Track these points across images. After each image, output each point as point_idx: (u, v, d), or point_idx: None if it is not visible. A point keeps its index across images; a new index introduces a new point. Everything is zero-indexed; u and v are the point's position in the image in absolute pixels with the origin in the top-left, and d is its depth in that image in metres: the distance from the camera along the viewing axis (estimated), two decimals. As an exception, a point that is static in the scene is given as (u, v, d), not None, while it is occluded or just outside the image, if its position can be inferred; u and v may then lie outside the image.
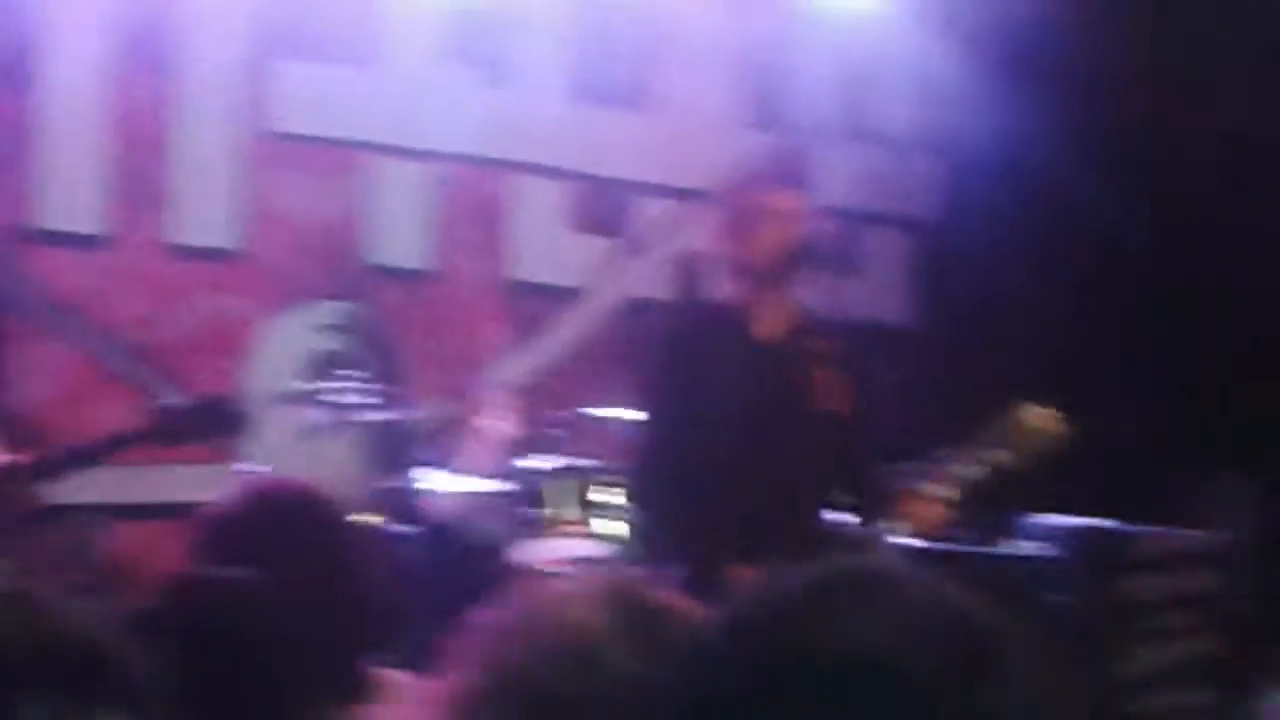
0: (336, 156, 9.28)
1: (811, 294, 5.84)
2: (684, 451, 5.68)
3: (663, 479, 5.81)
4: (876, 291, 10.13)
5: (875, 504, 5.59)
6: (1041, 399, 5.81)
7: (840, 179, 9.98)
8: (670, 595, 1.37)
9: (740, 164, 5.88)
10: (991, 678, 1.16)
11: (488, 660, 1.33)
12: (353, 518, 5.01)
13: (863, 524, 5.60)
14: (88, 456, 4.88)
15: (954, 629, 1.20)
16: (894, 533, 5.58)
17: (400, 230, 9.48)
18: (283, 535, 3.45)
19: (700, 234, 9.74)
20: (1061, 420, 5.62)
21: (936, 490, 5.57)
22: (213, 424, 4.96)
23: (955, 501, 5.61)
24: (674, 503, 5.68)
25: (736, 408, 5.59)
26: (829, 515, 5.81)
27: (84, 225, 8.68)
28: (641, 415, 6.01)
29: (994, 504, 7.44)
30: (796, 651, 1.19)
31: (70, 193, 8.64)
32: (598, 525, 7.34)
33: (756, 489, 5.59)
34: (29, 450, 5.40)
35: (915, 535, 5.54)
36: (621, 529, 7.13)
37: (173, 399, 5.26)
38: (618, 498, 7.16)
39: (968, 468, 5.58)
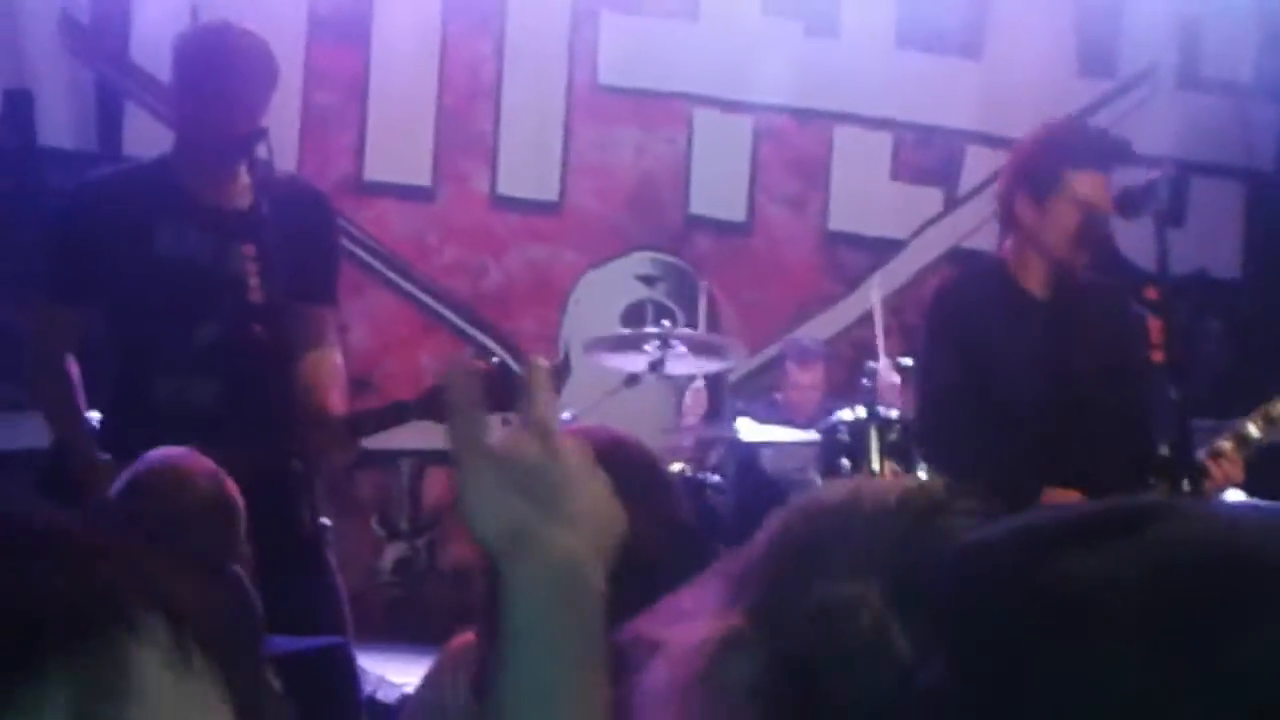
0: (658, 108, 9.34)
1: (1138, 242, 5.71)
2: (976, 406, 5.60)
3: (956, 438, 5.73)
4: (1205, 242, 9.87)
5: (1184, 465, 5.44)
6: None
7: (1174, 127, 9.75)
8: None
9: (1053, 131, 5.68)
10: (1244, 627, 1.06)
11: (749, 601, 1.31)
12: (666, 466, 5.03)
13: (1177, 481, 5.46)
14: (400, 416, 4.98)
15: (1228, 567, 1.10)
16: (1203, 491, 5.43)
17: (721, 182, 9.50)
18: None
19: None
20: None
21: (1236, 446, 5.40)
22: (504, 395, 4.99)
23: (1252, 452, 5.44)
24: (971, 461, 5.61)
25: (1018, 359, 5.50)
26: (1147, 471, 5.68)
27: (410, 177, 8.89)
28: (927, 369, 5.94)
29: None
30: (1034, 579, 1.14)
31: (398, 144, 8.85)
32: (908, 474, 7.30)
33: (1055, 444, 5.49)
34: (358, 398, 5.53)
35: (1218, 492, 5.39)
36: (930, 478, 7.08)
37: (468, 366, 5.30)
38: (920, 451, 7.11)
39: (1265, 416, 5.41)
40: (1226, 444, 5.34)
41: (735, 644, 1.32)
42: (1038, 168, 5.51)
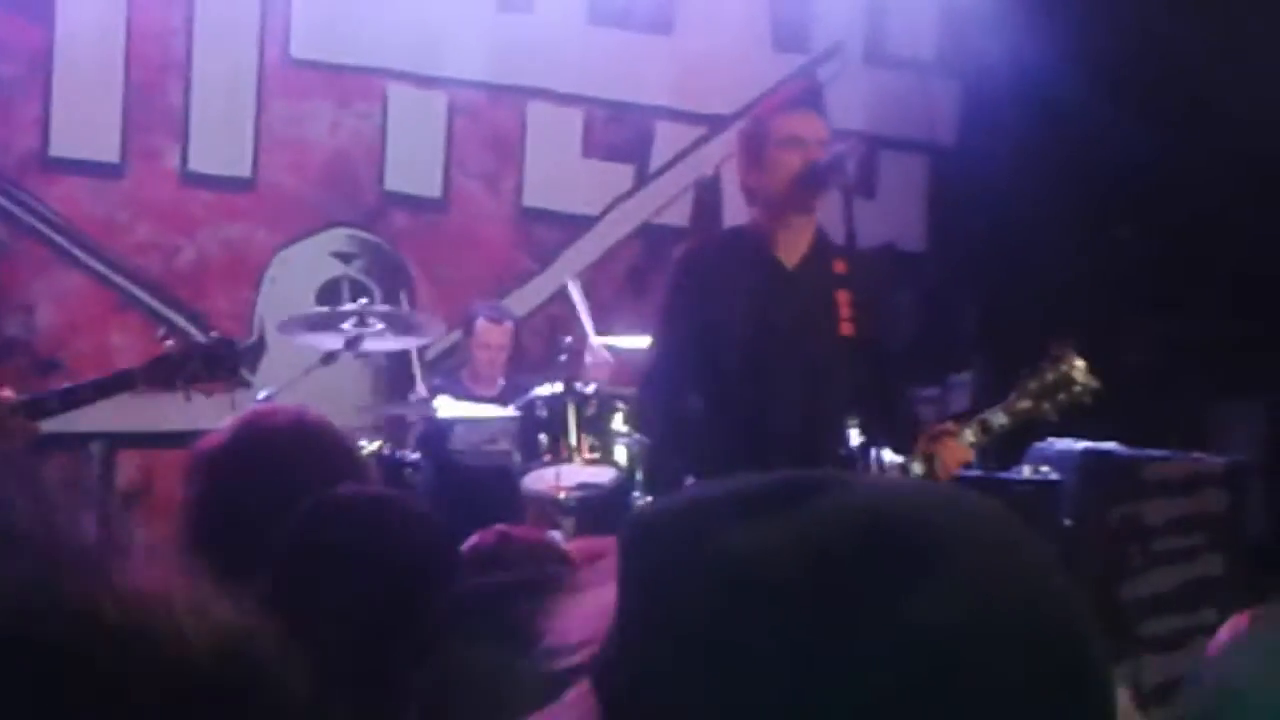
0: (352, 83, 9.28)
1: (828, 217, 5.80)
2: (697, 373, 5.67)
3: (672, 402, 5.79)
4: (892, 215, 10.09)
5: (900, 436, 5.56)
6: (1052, 324, 5.79)
7: (859, 103, 9.95)
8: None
9: (759, 89, 5.81)
10: (905, 593, 1.07)
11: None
12: (356, 444, 5.02)
13: (885, 453, 5.57)
14: (88, 394, 4.94)
15: (872, 531, 1.11)
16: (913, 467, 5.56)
17: (416, 158, 9.47)
18: (274, 463, 3.47)
19: (719, 160, 9.79)
20: (1094, 374, 5.58)
21: (968, 435, 5.54)
22: (212, 366, 5.02)
23: (982, 445, 5.59)
24: (681, 426, 5.68)
25: (753, 329, 5.57)
26: (852, 443, 5.79)
27: (99, 153, 8.72)
28: (654, 337, 5.99)
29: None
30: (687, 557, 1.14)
31: (85, 120, 8.68)
32: (605, 451, 7.36)
33: (773, 412, 5.57)
34: (46, 378, 5.44)
35: (936, 474, 5.51)
36: (625, 454, 7.15)
37: (174, 341, 5.29)
38: (621, 424, 7.17)
39: (1003, 416, 5.56)
40: (969, 428, 5.48)
41: None
42: (749, 133, 5.64)
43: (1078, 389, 5.48)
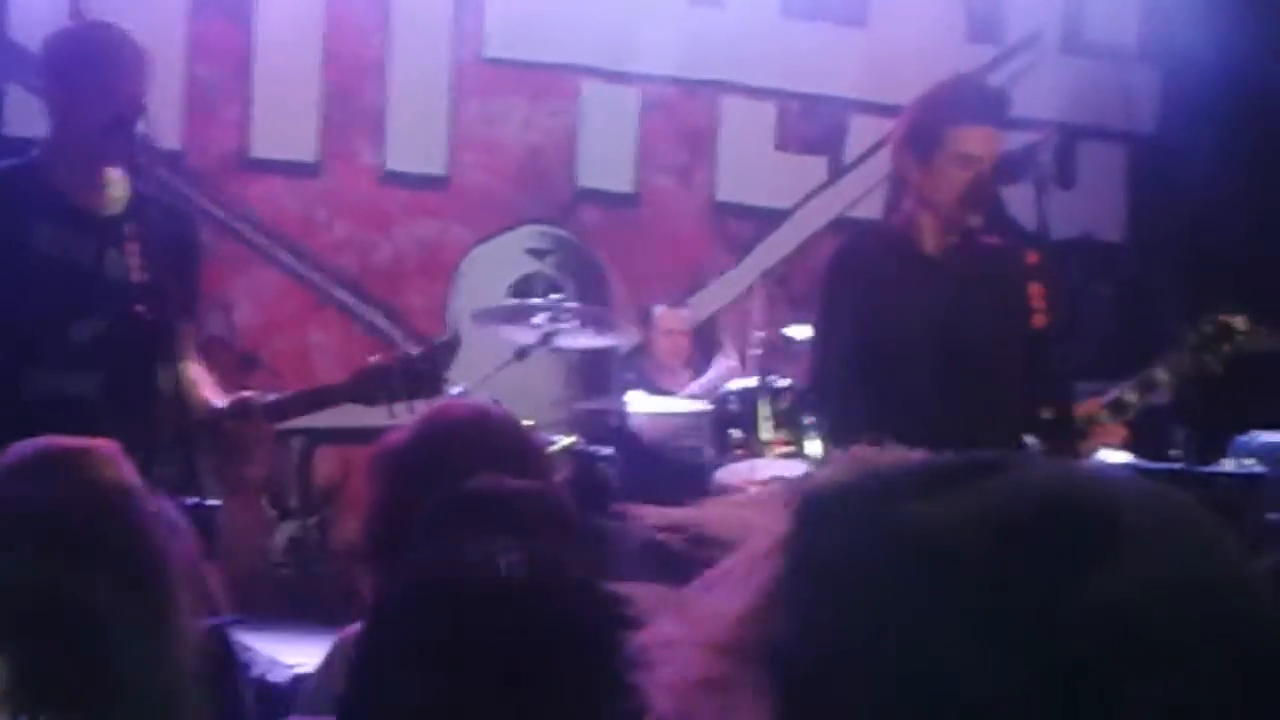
0: (545, 80, 9.33)
1: (1022, 207, 5.74)
2: (859, 369, 5.63)
3: (839, 395, 5.76)
4: (1090, 205, 9.96)
5: (1066, 428, 5.49)
6: (1257, 315, 5.68)
7: (1056, 92, 9.83)
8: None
9: (935, 90, 5.71)
10: (1090, 570, 1.07)
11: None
12: (541, 438, 5.05)
13: (1055, 444, 5.50)
14: (312, 403, 5.07)
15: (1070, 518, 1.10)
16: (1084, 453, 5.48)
17: (608, 153, 9.50)
18: (456, 460, 3.49)
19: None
20: (1256, 325, 5.47)
21: (1115, 410, 5.46)
22: (414, 384, 5.09)
23: (1132, 418, 5.50)
24: (850, 419, 5.64)
25: (911, 318, 5.53)
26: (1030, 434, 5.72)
27: (297, 153, 8.85)
28: (816, 328, 5.96)
29: (1193, 419, 7.31)
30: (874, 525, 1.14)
31: (283, 120, 8.81)
32: (798, 445, 7.34)
33: (937, 403, 5.52)
34: (246, 375, 5.53)
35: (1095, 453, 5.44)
36: (818, 447, 7.12)
37: (380, 360, 5.38)
38: (812, 416, 7.15)
39: (1142, 383, 5.47)
40: (1103, 410, 5.40)
41: None
42: (921, 128, 5.54)
43: (1240, 338, 5.36)
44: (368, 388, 5.07)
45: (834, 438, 5.89)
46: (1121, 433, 5.46)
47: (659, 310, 8.69)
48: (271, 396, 5.05)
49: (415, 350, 5.23)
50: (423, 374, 5.07)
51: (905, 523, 1.12)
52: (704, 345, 8.75)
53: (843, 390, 5.61)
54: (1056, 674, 1.05)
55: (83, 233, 4.85)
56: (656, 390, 8.33)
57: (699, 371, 8.49)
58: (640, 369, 8.75)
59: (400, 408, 5.01)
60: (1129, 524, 1.10)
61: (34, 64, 5.38)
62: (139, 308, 4.73)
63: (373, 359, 5.23)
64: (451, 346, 6.42)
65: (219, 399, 4.94)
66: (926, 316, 5.49)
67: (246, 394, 4.98)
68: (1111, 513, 1.11)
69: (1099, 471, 1.19)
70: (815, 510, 1.18)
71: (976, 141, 5.41)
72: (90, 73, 4.80)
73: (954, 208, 5.43)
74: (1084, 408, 5.40)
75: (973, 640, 1.07)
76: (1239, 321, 5.39)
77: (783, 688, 1.15)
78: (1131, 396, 5.43)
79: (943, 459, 1.19)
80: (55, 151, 4.93)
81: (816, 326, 5.89)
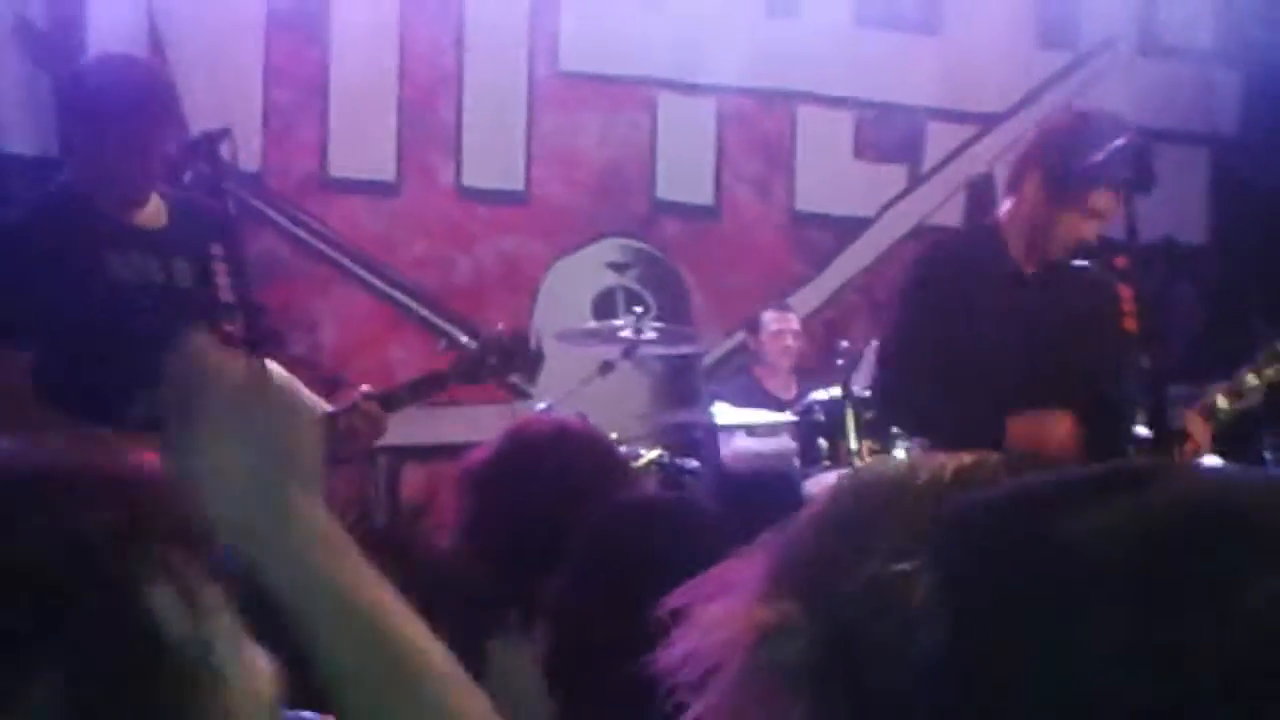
0: (621, 93, 9.33)
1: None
2: (941, 376, 5.57)
3: (916, 405, 5.70)
4: (1171, 209, 9.88)
5: (1158, 433, 5.44)
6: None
7: (1134, 96, 9.76)
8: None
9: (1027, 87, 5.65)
10: (1244, 577, 1.05)
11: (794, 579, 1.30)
12: (623, 450, 5.08)
13: (1154, 450, 5.45)
14: (415, 395, 5.16)
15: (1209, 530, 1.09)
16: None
17: (687, 165, 9.49)
18: (539, 474, 3.49)
19: (991, 158, 9.68)
20: None
21: (1206, 415, 5.41)
22: (511, 359, 5.19)
23: (1221, 422, 5.45)
24: (933, 428, 5.59)
25: (997, 331, 5.49)
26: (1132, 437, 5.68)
27: (376, 173, 8.87)
28: (889, 327, 5.92)
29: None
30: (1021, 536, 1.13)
31: (361, 140, 8.83)
32: (884, 454, 7.31)
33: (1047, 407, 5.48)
34: (332, 395, 5.55)
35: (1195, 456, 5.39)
36: (904, 456, 7.08)
37: (470, 342, 5.46)
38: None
39: (1222, 398, 5.42)
40: (1196, 417, 5.35)
41: (782, 627, 1.31)
42: (1069, 175, 5.44)
43: None
44: (468, 367, 5.17)
45: (908, 435, 5.85)
46: (1208, 436, 5.42)
47: (767, 314, 8.70)
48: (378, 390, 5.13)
49: (502, 331, 5.36)
50: (514, 349, 5.18)
51: (1059, 537, 1.11)
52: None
53: (909, 388, 5.56)
54: (1222, 683, 1.03)
55: (144, 252, 4.91)
56: (764, 396, 8.34)
57: (805, 375, 8.47)
58: (746, 376, 8.76)
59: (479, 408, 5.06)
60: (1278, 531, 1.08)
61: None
62: (229, 327, 4.75)
63: (468, 341, 5.35)
64: (536, 359, 6.45)
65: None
66: (1011, 323, 5.45)
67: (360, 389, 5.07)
68: (1261, 519, 1.09)
69: (1246, 477, 1.17)
70: (961, 530, 1.17)
71: (1107, 204, 5.39)
72: (116, 104, 4.85)
73: (1061, 252, 5.41)
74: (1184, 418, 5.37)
75: (1134, 652, 1.06)
76: None
77: (932, 707, 1.14)
78: (1223, 402, 5.39)
79: (1088, 471, 1.18)
80: (92, 180, 4.97)
81: (895, 329, 5.82)
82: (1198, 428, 5.34)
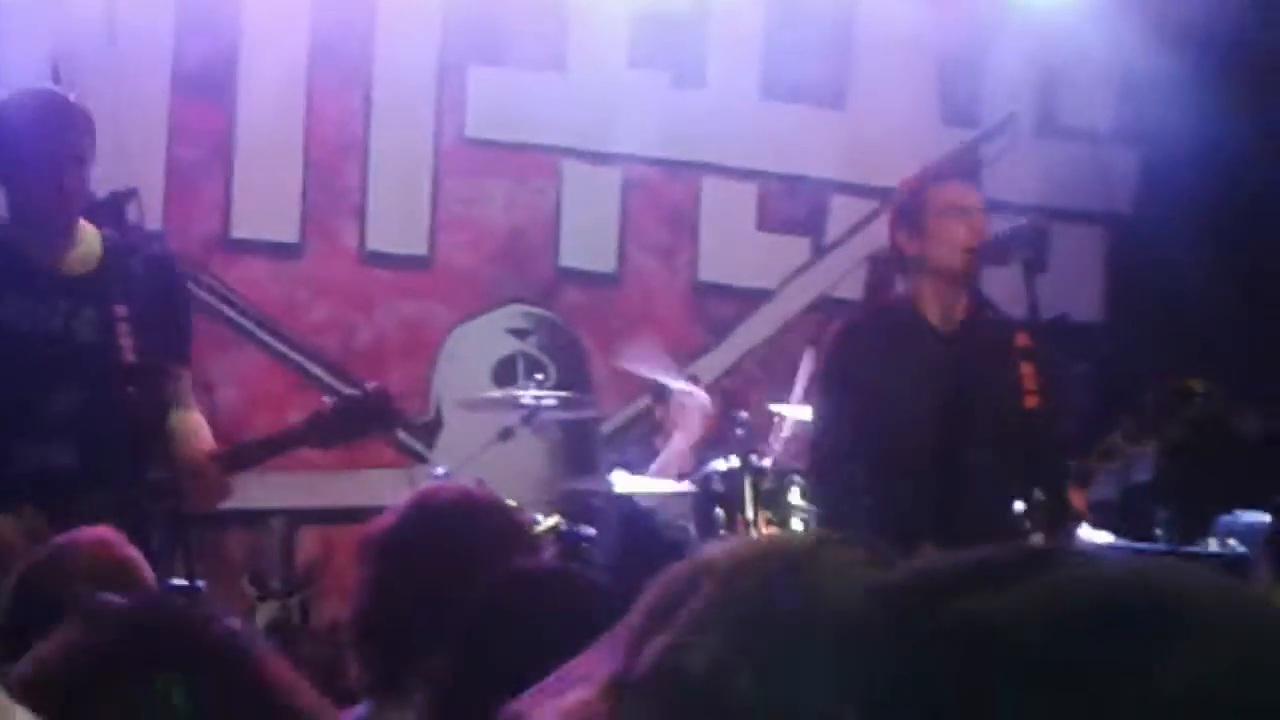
0: (527, 161, 9.35)
1: (1003, 289, 5.78)
2: (862, 445, 5.63)
3: (841, 473, 5.75)
4: (1068, 286, 9.98)
5: (1058, 508, 5.49)
6: (1235, 396, 5.70)
7: (1032, 174, 9.86)
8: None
9: (919, 162, 5.82)
10: (1157, 659, 1.05)
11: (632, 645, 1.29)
12: (527, 519, 5.04)
13: (1046, 524, 5.50)
14: (263, 452, 5.03)
15: (1118, 606, 1.09)
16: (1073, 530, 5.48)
17: (590, 233, 9.51)
18: (444, 543, 3.48)
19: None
20: (1214, 388, 5.50)
21: (1077, 479, 5.48)
22: (367, 419, 5.06)
23: (1089, 484, 5.52)
24: (854, 495, 5.64)
25: (918, 394, 5.55)
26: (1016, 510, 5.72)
27: (278, 234, 8.84)
28: (817, 410, 5.98)
29: (1176, 500, 7.31)
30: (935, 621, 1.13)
31: (265, 201, 8.81)
32: (782, 524, 7.33)
33: (946, 484, 5.53)
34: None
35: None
36: (805, 527, 7.10)
37: (329, 399, 5.36)
38: (798, 498, 7.14)
39: (1107, 453, 5.49)
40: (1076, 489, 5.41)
41: None
42: (906, 202, 5.64)
43: (1199, 401, 5.38)
44: (323, 429, 5.04)
45: (835, 520, 5.88)
46: (1079, 500, 5.48)
47: (676, 386, 8.70)
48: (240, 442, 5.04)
49: (367, 388, 5.22)
50: (375, 409, 5.06)
51: (966, 614, 1.11)
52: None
53: (849, 470, 5.61)
54: None
55: (51, 297, 4.85)
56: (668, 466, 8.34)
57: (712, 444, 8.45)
58: (646, 446, 8.74)
59: (376, 473, 4.97)
60: (1192, 614, 1.08)
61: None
62: (130, 389, 4.71)
63: (325, 400, 5.22)
64: (433, 427, 6.40)
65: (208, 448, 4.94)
66: (936, 393, 5.51)
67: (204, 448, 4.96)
68: (1174, 602, 1.09)
69: (1158, 563, 1.18)
70: (872, 607, 1.17)
71: (960, 194, 5.52)
72: (33, 135, 4.82)
73: (956, 260, 5.48)
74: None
75: None
76: (1197, 384, 5.41)
77: None
78: (1093, 463, 5.45)
79: (994, 552, 1.17)
80: (16, 216, 4.94)
81: (820, 407, 5.89)
82: (1076, 499, 5.40)
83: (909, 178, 5.87)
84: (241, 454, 4.98)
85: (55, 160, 4.80)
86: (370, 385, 5.30)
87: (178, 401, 5.03)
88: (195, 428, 5.04)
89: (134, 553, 3.78)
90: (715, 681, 1.18)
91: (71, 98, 5.01)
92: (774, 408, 7.97)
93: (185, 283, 5.33)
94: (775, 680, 1.18)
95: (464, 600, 3.01)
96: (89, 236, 4.90)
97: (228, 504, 5.24)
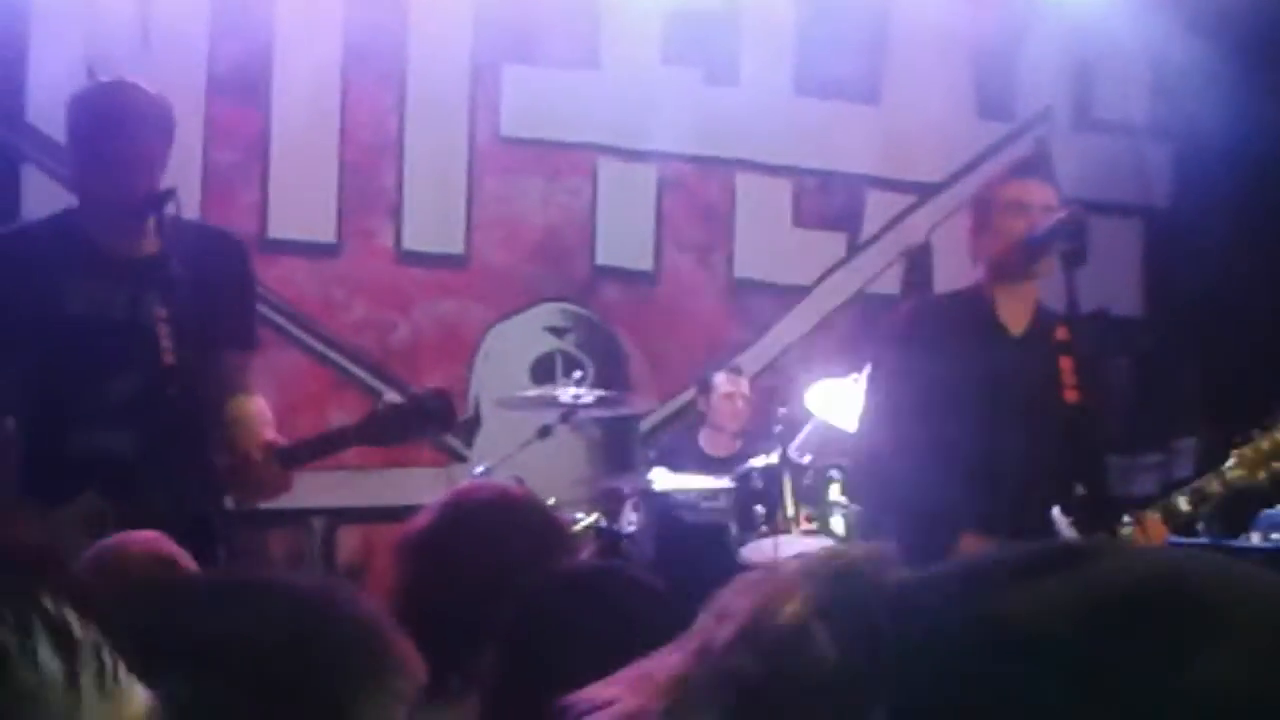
0: (562, 159, 9.36)
1: (1048, 284, 5.76)
2: (919, 436, 5.61)
3: (894, 468, 5.73)
4: (1106, 280, 9.96)
5: (1100, 506, 5.46)
6: (1272, 386, 5.67)
7: (1070, 168, 9.84)
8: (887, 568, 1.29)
9: (966, 157, 5.82)
10: (1189, 653, 1.03)
11: (697, 645, 1.29)
12: (564, 517, 5.02)
13: (1087, 522, 5.48)
14: (321, 448, 5.01)
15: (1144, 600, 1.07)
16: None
17: (626, 231, 9.51)
18: (480, 542, 3.47)
19: (928, 227, 9.75)
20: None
21: (1166, 514, 5.43)
22: (426, 420, 5.02)
23: (1184, 518, 5.47)
24: (904, 490, 5.61)
25: (981, 395, 5.53)
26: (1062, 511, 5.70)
27: (315, 234, 8.86)
28: (872, 396, 5.95)
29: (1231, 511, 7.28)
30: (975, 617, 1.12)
31: (301, 202, 8.82)
32: (821, 521, 7.33)
33: (995, 480, 5.51)
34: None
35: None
36: (842, 524, 7.11)
37: (391, 398, 5.34)
38: (838, 494, 7.14)
39: (1196, 494, 5.44)
40: (1154, 514, 5.36)
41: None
42: (978, 198, 5.66)
43: None
44: (381, 427, 5.03)
45: (876, 516, 5.87)
46: (1164, 535, 5.43)
47: (719, 376, 8.71)
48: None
49: (428, 389, 5.20)
50: (434, 410, 5.03)
51: (996, 609, 1.10)
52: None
53: (895, 465, 5.58)
54: None
55: (116, 283, 4.83)
56: (702, 460, 8.34)
57: (752, 439, 8.45)
58: (688, 438, 8.76)
59: (416, 471, 4.96)
60: (1226, 607, 1.07)
61: (51, 146, 5.35)
62: (170, 391, 4.70)
63: (385, 397, 5.19)
64: (471, 425, 6.38)
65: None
66: (1000, 394, 5.50)
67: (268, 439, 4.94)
68: (1208, 596, 1.08)
69: (1192, 556, 1.16)
70: (906, 603, 1.16)
71: (1026, 191, 5.51)
72: (109, 129, 4.81)
73: (1012, 259, 5.48)
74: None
75: None
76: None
77: None
78: (1184, 505, 5.40)
79: (1033, 547, 1.17)
80: (85, 206, 4.94)
81: (871, 389, 5.86)
82: (1156, 527, 5.35)
83: (985, 174, 5.91)
84: (301, 449, 4.96)
85: (128, 157, 4.78)
86: (430, 387, 5.28)
87: (239, 388, 5.02)
88: (256, 414, 5.02)
89: (182, 553, 3.77)
90: (792, 651, 1.18)
91: (153, 91, 4.98)
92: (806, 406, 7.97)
93: (250, 268, 5.29)
94: (841, 653, 1.18)
95: (504, 600, 3.00)
96: (150, 226, 4.87)
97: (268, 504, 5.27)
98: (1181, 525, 5.47)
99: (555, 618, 2.90)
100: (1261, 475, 5.34)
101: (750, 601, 1.26)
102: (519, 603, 2.99)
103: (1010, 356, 5.56)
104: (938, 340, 5.61)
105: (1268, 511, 7.48)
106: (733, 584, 1.31)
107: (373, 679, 1.59)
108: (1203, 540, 7.33)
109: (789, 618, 1.20)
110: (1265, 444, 5.32)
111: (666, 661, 1.30)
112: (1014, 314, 5.62)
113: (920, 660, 1.13)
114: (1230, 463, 5.37)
